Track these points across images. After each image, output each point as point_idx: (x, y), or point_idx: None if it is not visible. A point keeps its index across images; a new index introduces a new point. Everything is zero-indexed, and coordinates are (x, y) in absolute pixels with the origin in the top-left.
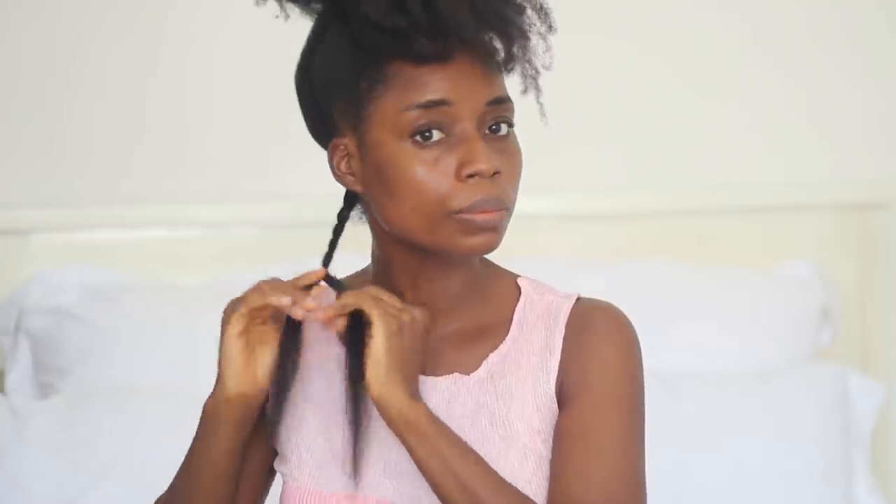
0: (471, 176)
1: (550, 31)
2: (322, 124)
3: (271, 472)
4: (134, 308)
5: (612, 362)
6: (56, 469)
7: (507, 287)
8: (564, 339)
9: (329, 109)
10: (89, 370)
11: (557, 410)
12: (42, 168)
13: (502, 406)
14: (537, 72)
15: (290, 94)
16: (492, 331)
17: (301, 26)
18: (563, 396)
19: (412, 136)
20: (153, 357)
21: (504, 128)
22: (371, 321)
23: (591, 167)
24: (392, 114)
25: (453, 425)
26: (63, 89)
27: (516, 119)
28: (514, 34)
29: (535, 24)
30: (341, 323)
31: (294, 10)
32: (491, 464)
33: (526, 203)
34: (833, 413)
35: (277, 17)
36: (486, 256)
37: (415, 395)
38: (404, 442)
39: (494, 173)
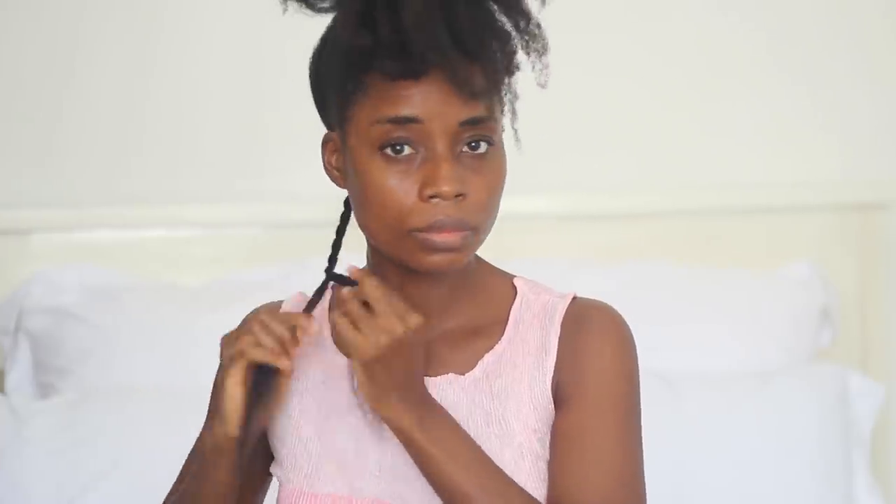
0: (433, 196)
1: (544, 51)
2: (323, 113)
3: (268, 474)
4: (134, 308)
5: (609, 362)
6: (56, 469)
7: (502, 287)
8: (560, 338)
9: (328, 100)
10: (89, 370)
11: (553, 410)
12: (42, 168)
13: (498, 405)
14: (516, 97)
15: (290, 95)
16: (487, 330)
17: (301, 26)
18: (560, 397)
19: (381, 148)
20: (153, 357)
21: (483, 146)
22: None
23: (595, 167)
24: (365, 124)
25: None
26: (63, 89)
27: (518, 118)
28: (496, 62)
29: (526, 46)
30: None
31: (293, 10)
32: None
33: (526, 203)
34: (833, 413)
35: (284, 11)
36: (483, 257)
37: (412, 404)
38: (407, 451)
39: (457, 195)
